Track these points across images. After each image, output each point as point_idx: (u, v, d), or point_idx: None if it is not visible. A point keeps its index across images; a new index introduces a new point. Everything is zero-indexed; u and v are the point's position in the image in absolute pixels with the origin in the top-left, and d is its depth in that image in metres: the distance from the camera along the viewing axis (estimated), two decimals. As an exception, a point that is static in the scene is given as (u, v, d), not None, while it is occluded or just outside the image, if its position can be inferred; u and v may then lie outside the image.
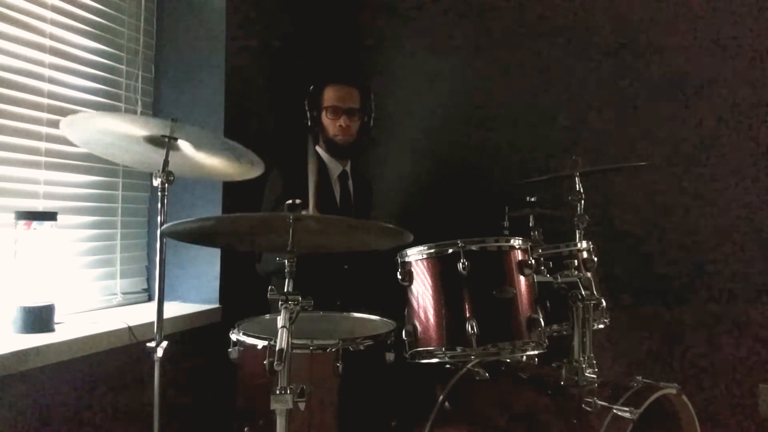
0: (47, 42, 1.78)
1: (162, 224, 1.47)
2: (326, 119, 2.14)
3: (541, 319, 1.53)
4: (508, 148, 2.72)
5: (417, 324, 1.56)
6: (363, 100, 2.18)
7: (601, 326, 1.78)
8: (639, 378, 1.57)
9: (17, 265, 1.57)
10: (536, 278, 1.59)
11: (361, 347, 1.50)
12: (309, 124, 2.17)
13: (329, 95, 2.14)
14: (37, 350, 1.46)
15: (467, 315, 1.48)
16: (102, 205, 2.01)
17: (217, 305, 2.13)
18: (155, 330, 1.48)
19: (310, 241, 1.45)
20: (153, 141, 1.48)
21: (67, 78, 1.86)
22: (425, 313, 1.54)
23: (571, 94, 2.62)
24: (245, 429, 1.48)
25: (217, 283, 2.15)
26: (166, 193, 1.49)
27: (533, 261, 1.58)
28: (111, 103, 2.03)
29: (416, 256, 1.57)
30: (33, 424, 1.49)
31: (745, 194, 2.37)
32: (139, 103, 2.11)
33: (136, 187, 2.14)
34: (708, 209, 2.42)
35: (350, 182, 2.26)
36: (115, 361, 1.71)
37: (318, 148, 2.21)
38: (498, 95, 2.74)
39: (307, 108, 2.17)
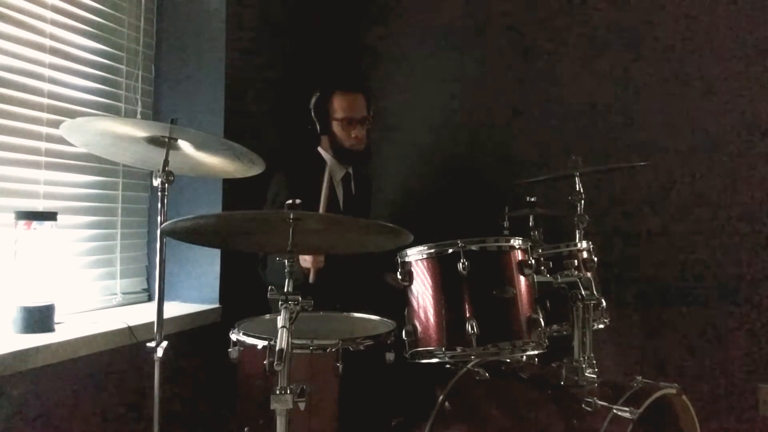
0: (47, 42, 1.78)
1: (162, 224, 1.47)
2: (339, 129, 2.13)
3: (541, 319, 1.53)
4: (508, 148, 2.72)
5: (417, 324, 1.56)
6: (368, 104, 2.18)
7: (601, 326, 1.79)
8: (639, 378, 1.57)
9: (17, 265, 1.57)
10: (536, 278, 1.59)
11: (361, 347, 1.50)
12: (319, 132, 2.16)
13: (340, 105, 2.13)
14: (37, 350, 1.45)
15: (467, 315, 1.48)
16: (102, 205, 2.01)
17: (217, 305, 2.13)
18: (155, 330, 1.48)
19: (310, 241, 1.45)
20: (153, 141, 1.48)
21: (67, 78, 1.86)
22: (425, 313, 1.54)
23: (571, 95, 2.62)
24: (245, 429, 1.48)
25: (217, 283, 2.15)
26: (166, 193, 1.49)
27: (533, 261, 1.59)
28: (111, 103, 2.03)
29: (416, 256, 1.57)
30: (33, 424, 1.49)
31: (746, 195, 2.37)
32: (139, 103, 2.11)
33: (136, 187, 2.14)
34: (708, 210, 2.42)
35: (353, 184, 2.26)
36: (115, 361, 1.71)
37: (321, 150, 2.21)
38: (498, 95, 2.74)
39: (314, 115, 2.15)
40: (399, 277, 1.59)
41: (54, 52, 1.80)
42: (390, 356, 1.54)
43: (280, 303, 1.20)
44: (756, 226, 2.36)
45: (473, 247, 1.52)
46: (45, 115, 1.76)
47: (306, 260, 1.79)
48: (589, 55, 2.59)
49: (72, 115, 1.83)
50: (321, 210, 1.71)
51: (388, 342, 1.55)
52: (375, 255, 1.59)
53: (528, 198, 2.17)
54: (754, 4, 2.37)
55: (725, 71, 2.41)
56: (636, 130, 2.52)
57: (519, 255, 1.57)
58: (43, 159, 1.76)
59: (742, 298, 2.36)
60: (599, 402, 1.46)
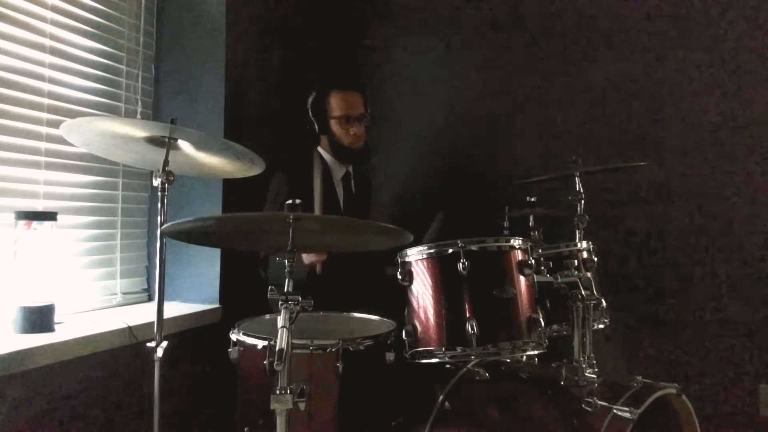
0: (47, 42, 1.78)
1: (162, 224, 1.47)
2: (337, 128, 2.13)
3: (541, 319, 1.53)
4: (508, 148, 2.72)
5: (417, 324, 1.56)
6: (365, 102, 2.19)
7: (601, 326, 1.78)
8: (639, 378, 1.57)
9: (17, 265, 1.57)
10: (536, 278, 1.59)
11: (361, 347, 1.50)
12: (318, 131, 2.16)
13: (337, 103, 2.13)
14: (37, 350, 1.46)
15: (467, 315, 1.48)
16: (102, 205, 2.01)
17: (217, 305, 2.13)
18: (155, 330, 1.48)
19: (310, 241, 1.45)
20: (153, 141, 1.48)
21: (67, 78, 1.86)
22: (425, 313, 1.54)
23: (571, 95, 2.62)
24: (245, 429, 1.48)
25: (217, 283, 2.15)
26: (166, 193, 1.49)
27: (533, 261, 1.58)
28: (111, 103, 2.03)
29: (416, 256, 1.57)
30: (33, 424, 1.49)
31: (746, 194, 2.37)
32: (139, 103, 2.11)
33: (136, 187, 2.14)
34: (708, 209, 2.42)
35: (353, 183, 2.26)
36: (115, 361, 1.71)
37: (320, 150, 2.21)
38: (498, 95, 2.74)
39: (312, 115, 2.16)
40: (399, 277, 1.59)
41: (54, 52, 1.80)
42: (390, 356, 1.54)
43: (280, 303, 1.20)
44: (756, 226, 2.36)
45: (473, 247, 1.51)
46: (45, 115, 1.76)
47: (310, 256, 1.79)
48: (590, 56, 2.59)
49: (72, 115, 1.83)
50: (317, 210, 1.71)
51: (388, 342, 1.55)
52: (375, 253, 1.59)
53: (528, 198, 2.16)
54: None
55: (726, 74, 2.41)
56: (636, 130, 2.52)
57: (519, 255, 1.56)
58: (43, 159, 1.76)
59: (742, 298, 2.36)
60: (599, 402, 1.46)
